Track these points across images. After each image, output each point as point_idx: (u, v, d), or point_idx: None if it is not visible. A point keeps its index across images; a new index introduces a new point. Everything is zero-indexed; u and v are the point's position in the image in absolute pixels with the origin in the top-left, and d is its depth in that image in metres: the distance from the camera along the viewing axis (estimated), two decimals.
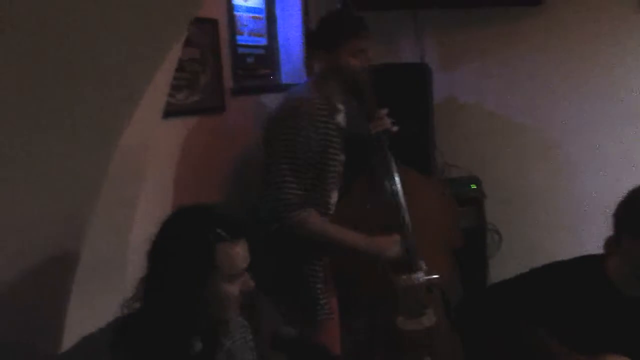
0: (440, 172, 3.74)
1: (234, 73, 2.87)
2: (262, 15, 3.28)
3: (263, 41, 3.29)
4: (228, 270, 1.44)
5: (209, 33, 2.65)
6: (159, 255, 1.44)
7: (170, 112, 2.19)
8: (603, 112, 3.68)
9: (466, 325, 1.92)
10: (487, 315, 1.80)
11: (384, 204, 2.55)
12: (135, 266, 1.53)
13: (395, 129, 2.60)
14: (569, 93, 3.73)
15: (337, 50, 2.39)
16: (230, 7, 2.90)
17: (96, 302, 1.72)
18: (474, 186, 3.65)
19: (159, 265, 1.43)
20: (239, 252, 1.46)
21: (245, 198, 2.72)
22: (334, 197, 2.49)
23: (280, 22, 3.38)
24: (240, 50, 3.00)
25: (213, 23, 2.69)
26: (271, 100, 2.98)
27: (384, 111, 2.60)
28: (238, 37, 2.98)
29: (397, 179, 2.57)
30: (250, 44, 3.13)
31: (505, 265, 3.54)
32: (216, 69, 2.69)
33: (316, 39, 2.50)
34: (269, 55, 3.33)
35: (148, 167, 1.92)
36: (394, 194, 2.55)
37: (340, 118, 2.48)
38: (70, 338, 1.63)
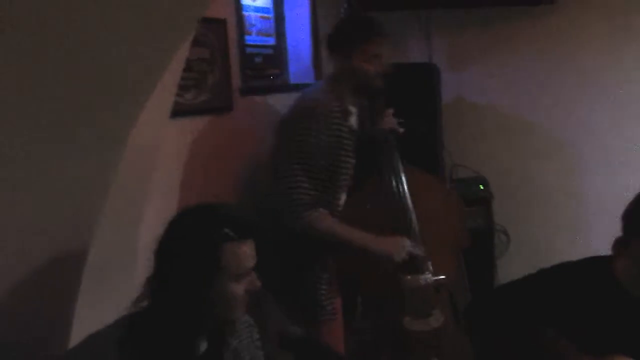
0: (448, 172, 3.73)
1: (242, 73, 2.87)
2: (271, 15, 3.28)
3: (271, 41, 3.28)
4: (235, 270, 1.44)
5: (217, 33, 2.65)
6: (165, 255, 1.44)
7: (178, 112, 2.20)
8: (613, 112, 3.66)
9: (475, 325, 1.92)
10: (495, 316, 1.80)
11: (388, 204, 2.55)
12: (143, 266, 1.53)
13: (401, 130, 2.59)
14: (579, 93, 3.70)
15: (351, 55, 2.40)
16: (239, 7, 2.90)
17: (104, 302, 1.72)
18: (481, 186, 3.65)
19: (165, 265, 1.43)
20: (246, 252, 1.46)
21: (253, 198, 2.73)
22: (343, 198, 2.49)
23: (288, 22, 3.37)
24: (249, 50, 3.00)
25: (221, 23, 2.69)
26: (279, 100, 2.98)
27: (390, 111, 2.60)
28: (246, 37, 2.97)
29: (403, 179, 2.56)
30: (258, 43, 3.13)
31: (513, 266, 3.53)
32: (224, 69, 2.69)
33: (331, 42, 2.51)
34: (277, 55, 3.33)
35: (156, 166, 1.93)
36: (401, 195, 2.55)
37: (353, 120, 2.49)
38: (78, 338, 1.63)
